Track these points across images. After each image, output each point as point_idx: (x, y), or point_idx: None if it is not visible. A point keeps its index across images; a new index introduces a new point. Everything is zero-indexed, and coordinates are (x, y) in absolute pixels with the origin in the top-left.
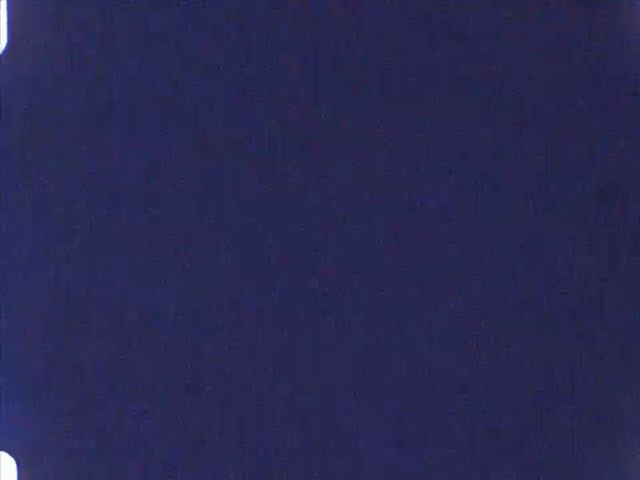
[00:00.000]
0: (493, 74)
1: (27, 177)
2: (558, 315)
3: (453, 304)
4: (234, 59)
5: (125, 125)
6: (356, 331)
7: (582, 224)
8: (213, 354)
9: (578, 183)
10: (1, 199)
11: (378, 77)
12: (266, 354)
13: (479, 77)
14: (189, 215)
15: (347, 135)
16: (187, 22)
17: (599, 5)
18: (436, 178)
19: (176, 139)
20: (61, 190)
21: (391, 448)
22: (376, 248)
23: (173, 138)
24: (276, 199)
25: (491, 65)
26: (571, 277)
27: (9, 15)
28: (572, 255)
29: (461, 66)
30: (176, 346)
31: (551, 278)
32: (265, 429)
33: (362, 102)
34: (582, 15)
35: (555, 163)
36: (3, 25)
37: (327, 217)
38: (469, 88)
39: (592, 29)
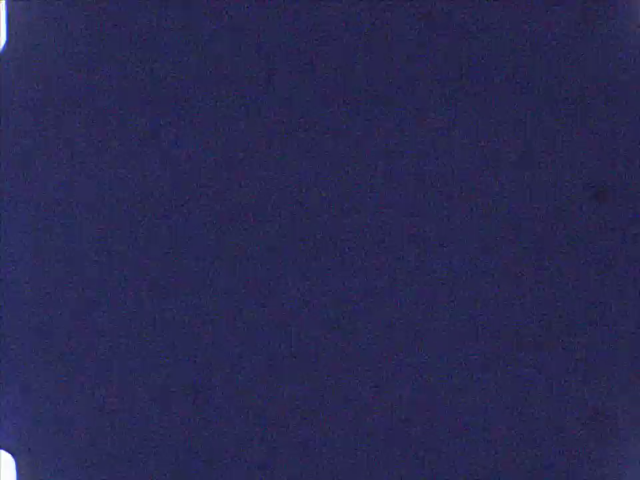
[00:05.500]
0: (492, 74)
1: (28, 175)
2: (558, 315)
3: (451, 304)
4: (235, 58)
5: (126, 124)
6: (356, 331)
7: (582, 224)
8: (215, 356)
9: (578, 182)
10: (2, 198)
11: (379, 77)
12: (267, 355)
13: (478, 77)
14: (189, 215)
15: (348, 134)
16: (188, 21)
17: (599, 4)
18: (436, 177)
19: (177, 137)
20: (62, 188)
21: (391, 448)
22: (374, 248)
23: (173, 137)
24: (277, 197)
25: (491, 66)
26: (571, 276)
27: (8, 15)
28: (571, 255)
29: (461, 66)
30: (177, 347)
31: (550, 277)
32: (265, 429)
33: (362, 101)
34: (582, 15)
35: (555, 163)
36: (3, 24)
37: (328, 216)
38: (469, 88)
39: (592, 29)
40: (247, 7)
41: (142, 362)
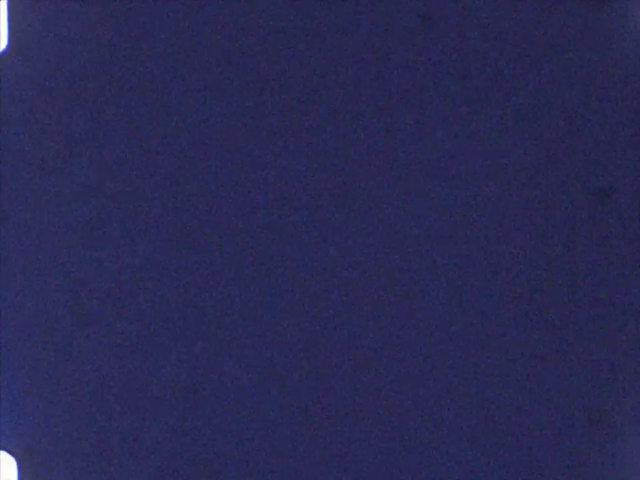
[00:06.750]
0: (493, 74)
1: (27, 175)
2: (557, 314)
3: (451, 304)
4: (234, 58)
5: (125, 124)
6: (355, 330)
7: (582, 224)
8: (213, 355)
9: (578, 182)
10: (1, 197)
11: (379, 76)
12: (265, 354)
13: (479, 77)
14: (187, 215)
15: (347, 133)
16: (187, 22)
17: (599, 5)
18: (436, 176)
19: (176, 138)
20: (61, 188)
21: (389, 447)
22: (372, 248)
23: (172, 136)
24: (274, 196)
25: (492, 65)
26: (570, 276)
27: (9, 16)
28: (571, 254)
29: (461, 65)
30: (176, 347)
31: (550, 277)
32: (263, 429)
33: (362, 100)
34: (582, 15)
35: (555, 163)
36: (3, 25)
37: (327, 215)
38: (469, 88)
39: (592, 30)
40: (249, 6)
41: (142, 363)
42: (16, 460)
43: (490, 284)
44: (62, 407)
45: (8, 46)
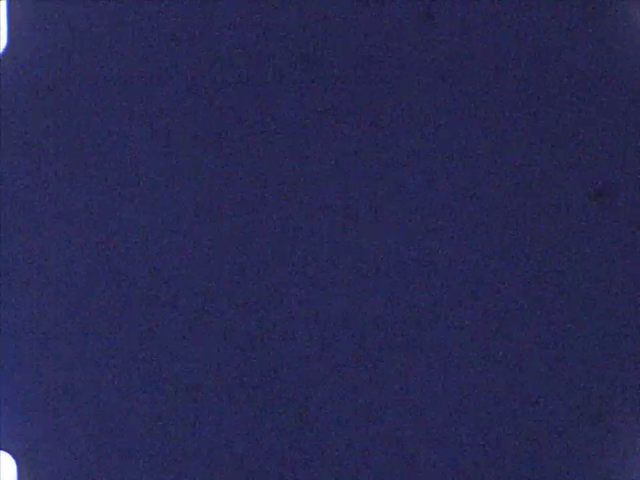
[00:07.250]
0: (493, 73)
1: (27, 177)
2: (557, 314)
3: (450, 304)
4: (233, 57)
5: (125, 124)
6: (357, 329)
7: (582, 224)
8: (213, 353)
9: (578, 182)
10: (1, 198)
11: (378, 74)
12: (265, 352)
13: (479, 76)
14: (186, 215)
15: (346, 132)
16: (189, 22)
17: (600, 5)
18: (435, 176)
19: (177, 137)
20: (61, 189)
21: (390, 447)
22: (373, 248)
23: (174, 136)
24: (275, 194)
25: (491, 64)
26: (570, 276)
27: (9, 15)
28: (571, 255)
29: (461, 65)
30: (177, 346)
31: (549, 277)
32: (263, 428)
33: (361, 99)
34: (582, 15)
35: (555, 163)
36: (3, 25)
37: (327, 215)
38: (469, 87)
39: (592, 29)
40: (247, 5)
41: (142, 363)
42: (16, 460)
43: (488, 283)
44: (62, 406)
45: (8, 46)
